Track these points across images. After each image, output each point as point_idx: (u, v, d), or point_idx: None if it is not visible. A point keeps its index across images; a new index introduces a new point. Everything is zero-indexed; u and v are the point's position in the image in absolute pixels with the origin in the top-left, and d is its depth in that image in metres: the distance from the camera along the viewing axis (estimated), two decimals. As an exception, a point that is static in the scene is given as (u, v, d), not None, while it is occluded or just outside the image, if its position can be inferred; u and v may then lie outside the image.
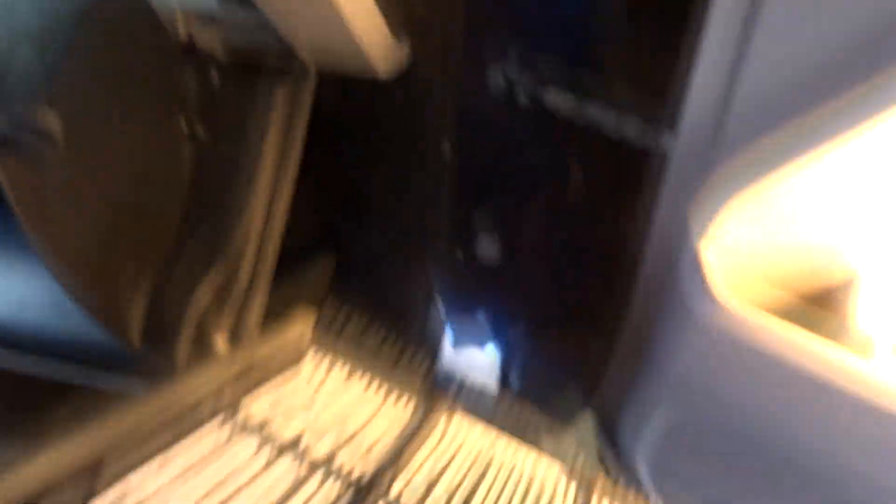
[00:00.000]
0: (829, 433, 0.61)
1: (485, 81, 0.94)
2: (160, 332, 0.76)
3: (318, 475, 0.79)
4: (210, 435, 0.79)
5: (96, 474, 0.73)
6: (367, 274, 1.15)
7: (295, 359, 0.94)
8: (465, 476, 0.75)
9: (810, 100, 0.72)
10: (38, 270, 0.62)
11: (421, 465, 0.76)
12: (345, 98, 0.84)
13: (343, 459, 0.80)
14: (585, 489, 0.79)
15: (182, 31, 0.79)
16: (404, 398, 0.95)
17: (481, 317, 1.11)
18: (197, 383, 0.83)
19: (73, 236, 0.61)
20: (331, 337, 1.05)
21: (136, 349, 0.72)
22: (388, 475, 0.77)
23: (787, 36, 0.70)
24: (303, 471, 0.80)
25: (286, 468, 0.79)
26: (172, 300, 0.75)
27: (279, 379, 0.90)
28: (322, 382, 0.93)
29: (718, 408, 0.84)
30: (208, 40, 0.80)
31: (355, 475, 0.78)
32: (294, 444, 0.81)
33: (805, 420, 0.62)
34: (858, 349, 0.69)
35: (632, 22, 0.89)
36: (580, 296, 1.08)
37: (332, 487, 0.77)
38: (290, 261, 0.94)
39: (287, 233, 0.91)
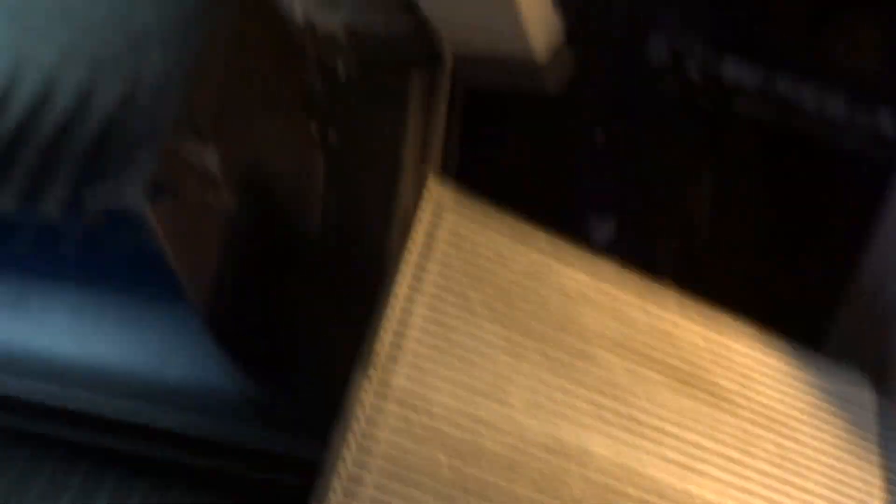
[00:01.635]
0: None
1: (645, 54, 0.86)
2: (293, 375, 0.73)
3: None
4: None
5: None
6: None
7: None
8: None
9: None
10: (185, 319, 0.60)
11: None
12: (479, 81, 0.79)
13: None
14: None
15: (300, 18, 0.73)
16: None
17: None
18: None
19: (220, 278, 0.59)
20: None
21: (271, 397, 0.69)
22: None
23: None
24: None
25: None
26: (305, 339, 0.71)
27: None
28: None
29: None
30: (329, 27, 0.74)
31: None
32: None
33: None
34: None
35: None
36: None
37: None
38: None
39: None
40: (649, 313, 0.61)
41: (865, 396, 0.65)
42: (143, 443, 0.73)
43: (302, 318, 0.74)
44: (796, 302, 0.78)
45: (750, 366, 0.62)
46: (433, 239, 0.64)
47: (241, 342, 0.64)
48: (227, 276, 0.60)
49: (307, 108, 0.75)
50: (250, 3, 0.65)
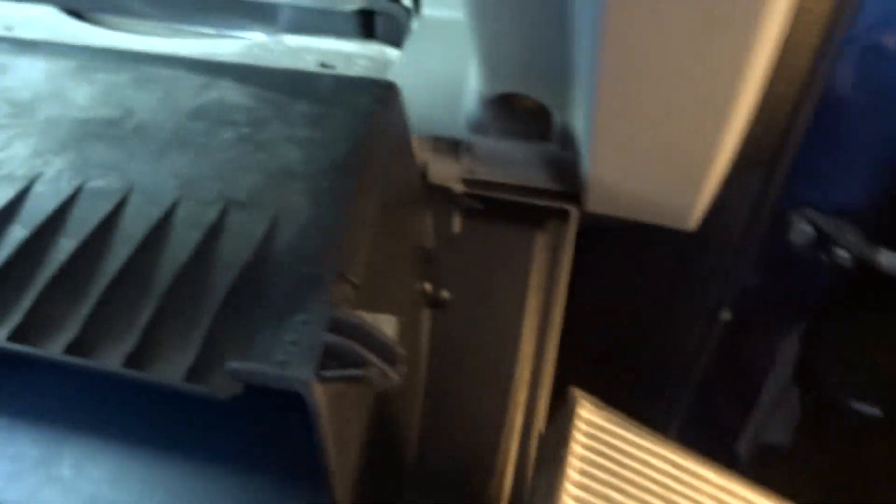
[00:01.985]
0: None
1: (787, 233, 0.82)
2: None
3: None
4: None
5: None
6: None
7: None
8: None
9: None
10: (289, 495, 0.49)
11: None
12: (597, 244, 0.73)
13: None
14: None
15: (417, 162, 0.66)
16: None
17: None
18: None
19: (358, 456, 0.49)
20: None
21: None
22: None
23: None
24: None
25: None
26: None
27: None
28: None
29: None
30: (446, 177, 0.67)
31: None
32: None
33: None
34: None
35: None
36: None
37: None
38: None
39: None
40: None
41: None
42: None
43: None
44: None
45: None
46: (569, 453, 0.56)
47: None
48: (361, 455, 0.50)
49: (420, 265, 0.68)
50: (394, 148, 0.59)
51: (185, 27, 0.89)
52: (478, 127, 0.70)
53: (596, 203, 0.64)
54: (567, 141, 0.67)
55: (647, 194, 0.60)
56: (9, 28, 0.85)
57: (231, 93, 0.59)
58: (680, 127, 0.50)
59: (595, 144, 0.55)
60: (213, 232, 0.50)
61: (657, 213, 0.61)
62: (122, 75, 0.61)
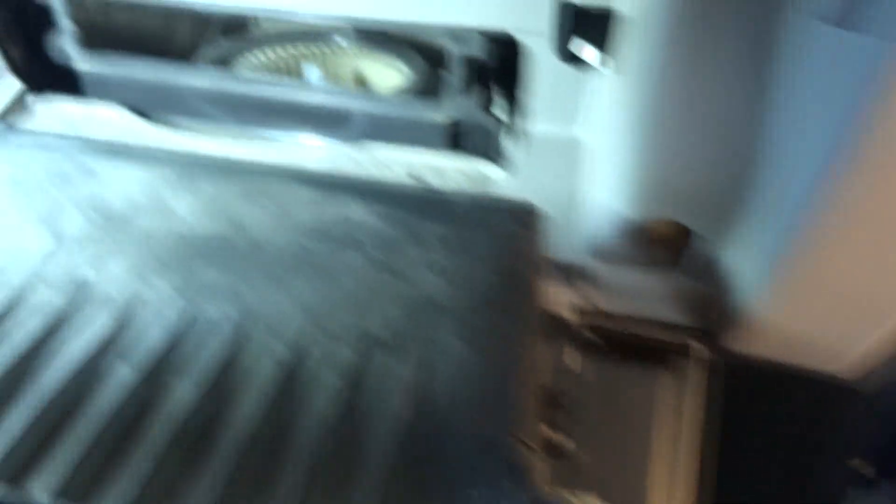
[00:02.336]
0: None
1: None
2: None
3: None
4: None
5: None
6: None
7: None
8: None
9: None
10: None
11: None
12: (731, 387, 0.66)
13: None
14: None
15: None
16: None
17: None
18: None
19: None
20: None
21: None
22: None
23: None
24: None
25: None
26: None
27: None
28: None
29: None
30: (561, 301, 0.64)
31: None
32: None
33: None
34: None
35: None
36: None
37: None
38: None
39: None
40: None
41: None
42: None
43: None
44: None
45: None
46: None
47: None
48: None
49: (539, 406, 0.60)
50: (538, 275, 0.53)
51: (256, 131, 0.84)
52: (602, 252, 0.64)
53: (751, 343, 0.58)
54: (705, 272, 0.61)
55: (815, 338, 0.54)
56: (73, 124, 0.79)
57: (353, 210, 0.53)
58: (885, 275, 0.44)
59: (776, 285, 0.49)
60: (357, 377, 0.42)
61: (819, 357, 0.55)
62: (229, 186, 0.54)
